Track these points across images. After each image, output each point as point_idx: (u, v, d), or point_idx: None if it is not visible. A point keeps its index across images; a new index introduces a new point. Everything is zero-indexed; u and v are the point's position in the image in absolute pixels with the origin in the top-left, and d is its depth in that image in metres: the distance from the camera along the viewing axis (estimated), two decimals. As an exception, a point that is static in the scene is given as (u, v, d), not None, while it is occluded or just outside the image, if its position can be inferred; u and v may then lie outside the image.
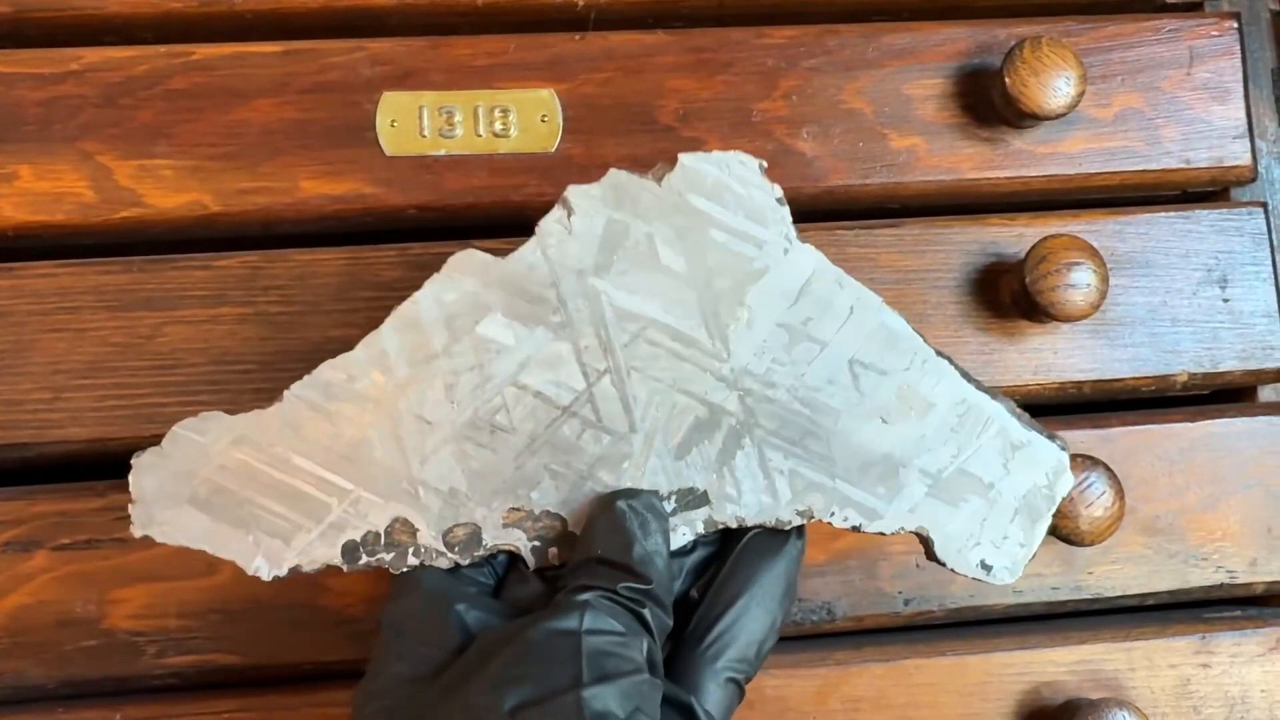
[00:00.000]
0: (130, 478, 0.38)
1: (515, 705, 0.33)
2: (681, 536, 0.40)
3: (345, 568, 0.39)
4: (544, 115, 0.51)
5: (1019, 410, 0.41)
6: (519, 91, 0.51)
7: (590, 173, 0.51)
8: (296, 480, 0.39)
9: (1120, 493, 0.48)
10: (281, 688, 0.48)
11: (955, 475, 0.40)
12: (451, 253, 0.50)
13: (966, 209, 0.54)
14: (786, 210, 0.40)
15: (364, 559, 0.39)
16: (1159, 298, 0.53)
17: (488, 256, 0.39)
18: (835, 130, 0.53)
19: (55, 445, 0.48)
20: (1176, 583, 0.52)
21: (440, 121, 0.51)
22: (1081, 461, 0.48)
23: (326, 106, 0.51)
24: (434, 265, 0.50)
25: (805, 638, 0.51)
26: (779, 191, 0.40)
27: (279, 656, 0.48)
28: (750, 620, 0.38)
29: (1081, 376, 0.52)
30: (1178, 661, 0.51)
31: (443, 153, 0.51)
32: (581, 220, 0.39)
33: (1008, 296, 0.51)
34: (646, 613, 0.36)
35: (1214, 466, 0.52)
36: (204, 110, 0.50)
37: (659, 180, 0.40)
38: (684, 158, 0.40)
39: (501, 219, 0.51)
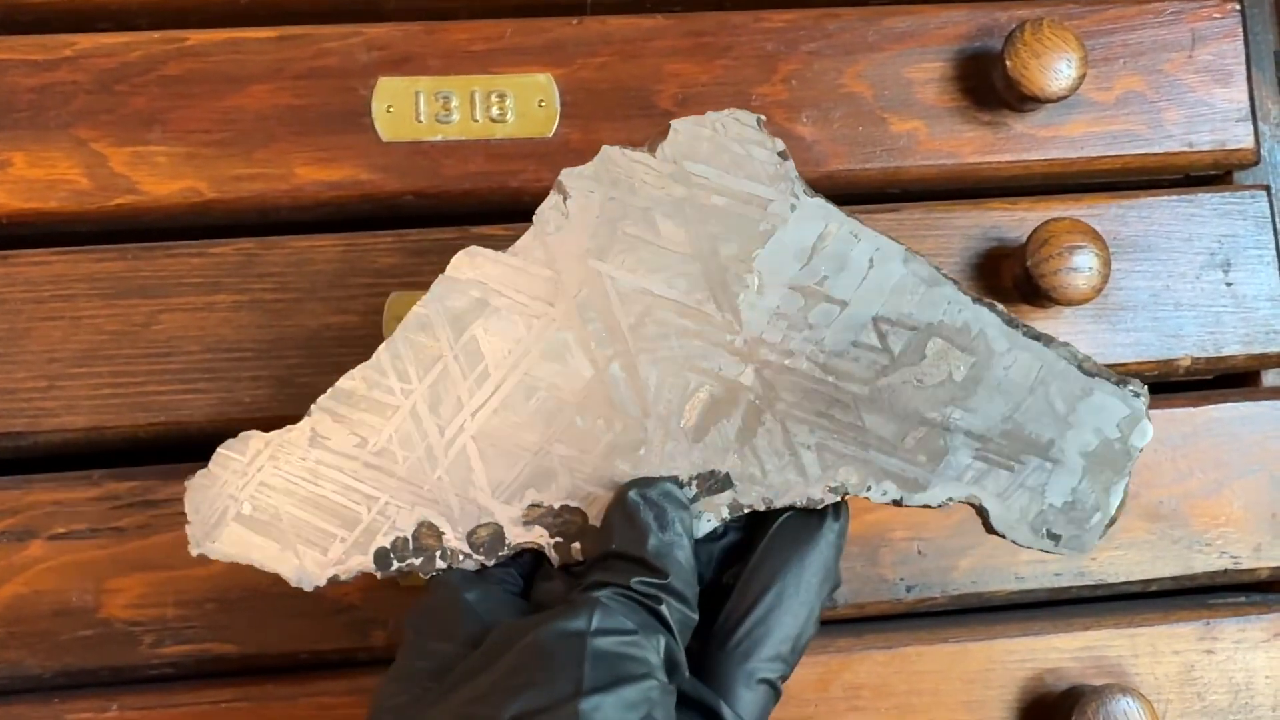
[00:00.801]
0: (185, 499, 0.39)
1: (515, 715, 0.31)
2: (707, 523, 0.38)
3: (379, 574, 0.39)
4: (541, 100, 0.51)
5: (1081, 354, 0.37)
6: (516, 76, 0.51)
7: (588, 158, 0.50)
8: (327, 491, 0.39)
9: (1123, 478, 0.48)
10: (278, 677, 0.47)
11: (1008, 435, 0.37)
12: (448, 239, 0.50)
13: (967, 193, 0.53)
14: (791, 164, 0.38)
15: (395, 564, 0.39)
16: (1161, 282, 0.53)
17: (489, 252, 0.39)
18: (835, 114, 0.52)
19: (50, 434, 0.48)
20: (1180, 569, 0.52)
21: (437, 107, 0.50)
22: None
23: (322, 92, 0.50)
24: (431, 251, 0.50)
25: (806, 625, 0.50)
26: (780, 145, 0.38)
27: (276, 646, 0.48)
28: (784, 613, 0.36)
29: (1084, 361, 0.52)
30: (1182, 648, 0.50)
31: (439, 138, 0.50)
32: (577, 203, 0.38)
33: (1009, 281, 0.51)
34: (664, 608, 0.34)
35: (1217, 452, 0.52)
36: (198, 96, 0.50)
37: (652, 151, 0.38)
38: (676, 123, 0.38)
39: (499, 205, 0.51)
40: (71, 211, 0.49)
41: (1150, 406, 0.51)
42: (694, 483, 0.38)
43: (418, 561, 0.39)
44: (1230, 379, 0.55)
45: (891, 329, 0.37)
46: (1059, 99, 0.50)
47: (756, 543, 0.38)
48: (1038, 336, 0.37)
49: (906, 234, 0.52)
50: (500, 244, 0.39)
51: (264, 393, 0.48)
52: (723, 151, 0.38)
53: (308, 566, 0.39)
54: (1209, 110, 0.54)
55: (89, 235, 0.49)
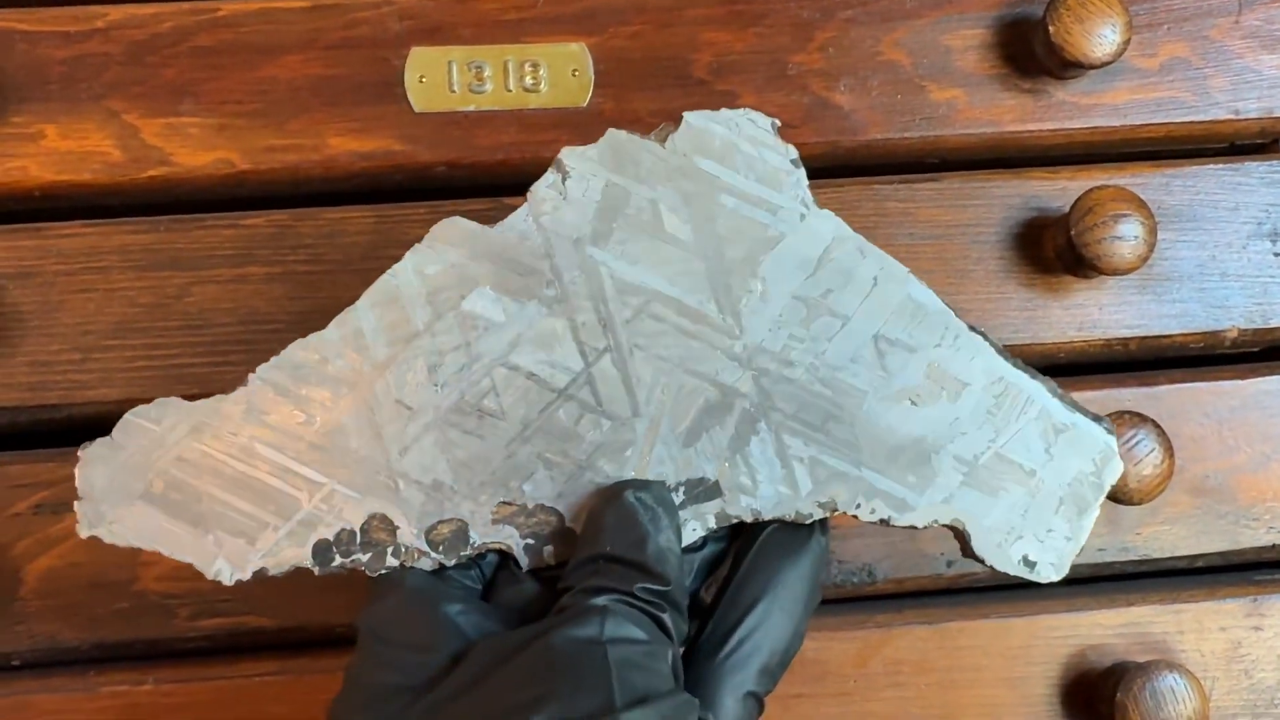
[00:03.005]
0: (76, 471, 0.35)
1: None
2: (691, 532, 0.36)
3: (316, 570, 0.35)
4: (575, 69, 0.50)
5: (1061, 391, 0.38)
6: (549, 45, 0.50)
7: (622, 127, 0.50)
8: (262, 473, 0.35)
9: (1170, 451, 0.47)
10: (314, 650, 0.47)
11: (993, 462, 0.37)
12: (482, 210, 0.50)
13: (1008, 162, 0.52)
14: (802, 172, 0.37)
15: (338, 560, 0.35)
16: (1207, 252, 0.52)
17: (474, 225, 0.36)
18: (873, 83, 0.51)
19: (85, 406, 0.48)
20: (1226, 544, 0.51)
21: (470, 76, 0.50)
22: (1130, 419, 0.47)
23: (354, 62, 0.50)
24: (464, 223, 0.49)
25: (845, 600, 0.50)
26: (794, 152, 0.37)
27: (311, 618, 0.47)
28: (772, 627, 0.35)
29: (1128, 333, 0.51)
30: (1228, 624, 0.49)
31: (472, 108, 0.50)
32: (577, 184, 0.36)
33: (1052, 251, 0.50)
34: (666, 618, 0.33)
35: (1265, 425, 0.51)
36: (230, 67, 0.49)
37: (662, 141, 0.37)
38: (689, 116, 0.37)
39: (532, 176, 0.49)
40: (104, 183, 0.49)
41: (1196, 379, 0.51)
42: (681, 489, 0.36)
43: (365, 558, 0.35)
44: (1278, 351, 0.54)
45: (890, 348, 0.37)
46: (1102, 65, 0.49)
47: (742, 554, 0.36)
48: (1025, 368, 0.37)
49: (946, 204, 0.51)
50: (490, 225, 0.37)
51: (297, 365, 0.48)
52: (735, 151, 0.37)
53: (229, 557, 0.35)
54: (1256, 77, 0.53)
55: (121, 207, 0.49)
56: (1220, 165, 0.52)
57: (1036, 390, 0.37)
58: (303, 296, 0.48)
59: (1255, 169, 0.52)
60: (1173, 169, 0.52)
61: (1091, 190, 0.48)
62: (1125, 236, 0.47)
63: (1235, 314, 0.51)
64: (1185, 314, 0.51)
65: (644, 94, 0.50)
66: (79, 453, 0.35)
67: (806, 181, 0.37)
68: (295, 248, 0.49)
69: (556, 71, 0.50)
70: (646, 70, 0.51)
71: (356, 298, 0.48)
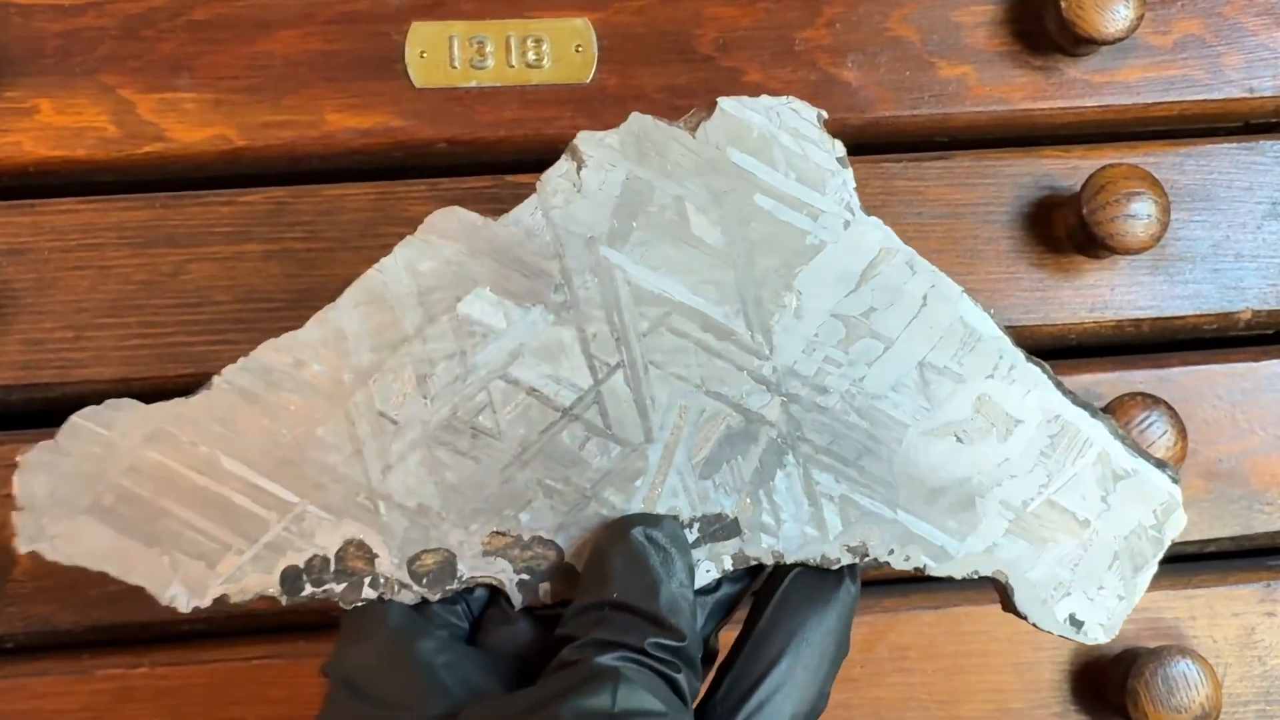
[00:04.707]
0: (15, 478, 0.31)
1: None
2: (704, 573, 0.33)
3: (284, 599, 0.32)
4: (578, 45, 0.49)
5: (1123, 431, 0.34)
6: (552, 20, 0.50)
7: (626, 104, 0.49)
8: (226, 488, 0.32)
9: (1183, 433, 0.46)
10: (310, 634, 0.47)
11: (1043, 509, 0.33)
12: (483, 188, 0.49)
13: (1019, 140, 0.51)
14: (849, 173, 0.33)
15: (308, 589, 0.32)
16: (1221, 232, 0.51)
17: (475, 216, 0.32)
18: (881, 59, 0.50)
19: (79, 385, 0.47)
20: (1239, 529, 0.50)
21: (471, 52, 0.49)
22: (1142, 401, 0.46)
23: (353, 37, 0.49)
24: (465, 200, 0.48)
25: (851, 585, 0.49)
26: (841, 149, 0.33)
27: (308, 602, 0.47)
28: (794, 689, 0.31)
29: (1140, 314, 0.50)
30: (1241, 610, 0.49)
31: (474, 84, 0.49)
32: (594, 175, 0.32)
33: (1063, 230, 0.49)
34: (681, 678, 0.29)
35: (1279, 408, 0.50)
36: (226, 41, 0.49)
37: (692, 129, 0.33)
38: (724, 102, 0.33)
39: (534, 153, 0.49)
40: (99, 159, 0.48)
41: (1210, 361, 0.50)
42: (695, 526, 0.33)
43: (339, 588, 0.32)
44: (1292, 333, 0.53)
45: (937, 377, 0.33)
46: (1115, 41, 0.48)
47: (763, 603, 0.33)
48: (1086, 405, 0.34)
49: (956, 182, 0.50)
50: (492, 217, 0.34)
51: (295, 344, 0.47)
52: (774, 144, 0.33)
53: (186, 582, 0.31)
54: (1270, 55, 0.52)
55: (116, 184, 0.48)
56: (1234, 144, 0.51)
57: (1097, 431, 0.34)
58: (300, 274, 0.48)
59: (1270, 148, 0.51)
60: (1186, 148, 0.51)
61: (1104, 168, 0.47)
62: (1138, 215, 0.46)
63: (1249, 295, 0.50)
64: (1198, 295, 0.50)
65: (648, 70, 0.49)
66: (18, 458, 0.31)
67: (854, 184, 0.33)
68: (293, 225, 0.48)
69: (560, 47, 0.49)
70: (651, 46, 0.50)
71: (356, 275, 0.47)
